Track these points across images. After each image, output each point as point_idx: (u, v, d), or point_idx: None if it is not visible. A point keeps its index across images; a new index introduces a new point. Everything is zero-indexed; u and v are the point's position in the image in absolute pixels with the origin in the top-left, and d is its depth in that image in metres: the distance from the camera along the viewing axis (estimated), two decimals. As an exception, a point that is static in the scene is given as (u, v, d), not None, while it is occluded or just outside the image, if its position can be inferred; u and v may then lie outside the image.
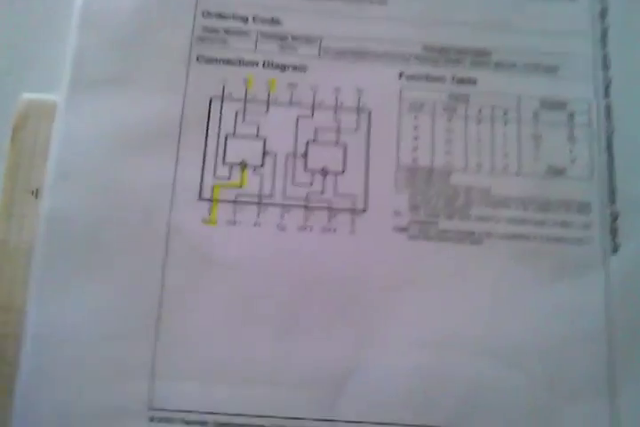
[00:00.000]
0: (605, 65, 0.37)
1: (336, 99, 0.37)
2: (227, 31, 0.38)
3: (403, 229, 0.34)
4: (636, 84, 0.38)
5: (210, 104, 0.37)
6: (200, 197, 0.35)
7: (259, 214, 0.36)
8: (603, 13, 0.39)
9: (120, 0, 0.37)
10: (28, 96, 0.35)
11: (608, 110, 0.37)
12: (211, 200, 0.35)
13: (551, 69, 0.39)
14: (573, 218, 0.37)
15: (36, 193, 0.35)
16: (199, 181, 0.35)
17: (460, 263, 0.35)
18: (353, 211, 0.35)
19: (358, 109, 0.37)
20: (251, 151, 0.36)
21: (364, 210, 0.35)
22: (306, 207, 0.36)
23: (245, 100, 0.37)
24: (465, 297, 0.35)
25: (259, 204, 0.36)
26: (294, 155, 0.36)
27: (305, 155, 0.36)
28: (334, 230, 0.35)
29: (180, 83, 0.36)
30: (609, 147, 0.37)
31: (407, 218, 0.35)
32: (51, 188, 0.35)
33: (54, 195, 0.35)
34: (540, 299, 0.35)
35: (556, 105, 0.38)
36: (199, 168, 0.36)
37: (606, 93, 0.38)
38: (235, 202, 0.36)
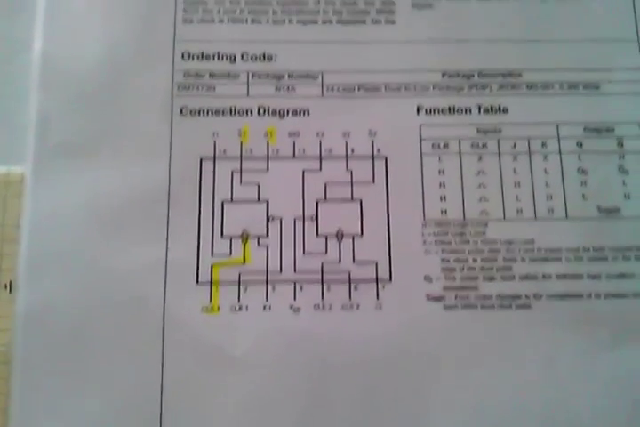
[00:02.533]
0: None
1: (346, 145, 0.28)
2: (212, 74, 0.29)
3: (437, 299, 0.27)
4: None
5: (200, 165, 0.28)
6: (198, 281, 0.27)
7: (267, 296, 0.26)
8: None
9: (84, 48, 0.28)
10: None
11: None
12: (210, 283, 0.26)
13: (592, 87, 0.29)
14: (633, 267, 0.27)
15: (10, 286, 0.26)
16: (195, 260, 0.27)
17: (506, 334, 0.26)
18: (377, 281, 0.27)
19: (373, 157, 0.28)
20: (252, 218, 0.27)
21: (390, 279, 0.27)
22: (322, 282, 0.26)
23: (241, 158, 0.28)
24: (516, 372, 0.26)
25: (266, 283, 0.26)
26: (303, 218, 0.27)
27: (315, 217, 0.27)
28: (357, 307, 0.27)
29: (163, 143, 0.28)
30: None
31: (441, 284, 0.27)
32: (25, 279, 0.26)
33: (30, 288, 0.26)
34: (603, 368, 0.26)
35: (602, 130, 0.29)
36: (194, 245, 0.27)
37: None
38: (238, 283, 0.26)
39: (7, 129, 0.27)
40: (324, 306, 0.26)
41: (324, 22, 0.29)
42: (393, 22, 0.29)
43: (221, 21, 0.28)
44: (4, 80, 0.27)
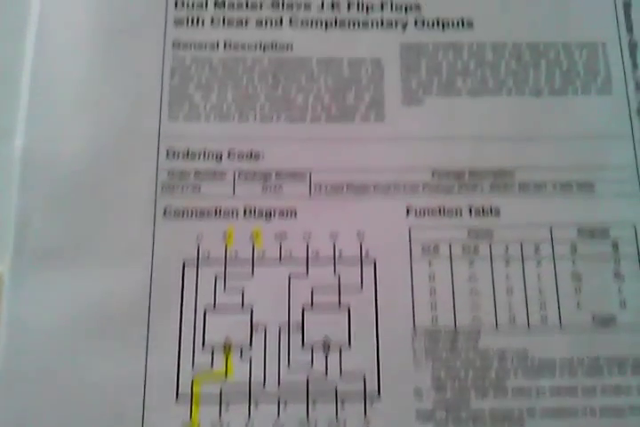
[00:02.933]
0: None
1: (334, 247, 0.27)
2: (198, 174, 0.28)
3: (427, 416, 0.25)
4: None
5: (183, 270, 0.26)
6: (178, 396, 0.25)
7: (250, 413, 0.25)
8: None
9: (66, 146, 0.27)
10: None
11: None
12: (190, 399, 0.25)
13: (587, 187, 0.28)
14: (629, 381, 0.25)
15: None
16: (175, 372, 0.25)
17: None
18: (365, 397, 0.25)
19: (361, 259, 0.27)
20: (235, 327, 0.26)
21: (379, 393, 0.25)
22: (307, 398, 0.25)
23: (226, 261, 0.26)
24: None
25: (249, 399, 0.25)
26: (288, 326, 0.26)
27: (301, 325, 0.26)
28: (344, 424, 0.25)
29: (144, 246, 0.26)
30: None
31: (431, 399, 0.25)
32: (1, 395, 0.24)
33: (5, 404, 0.24)
34: None
35: (597, 232, 0.27)
36: (174, 355, 0.25)
37: None
38: (220, 399, 0.25)
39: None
40: (309, 424, 0.24)
41: (312, 120, 0.27)
42: (382, 119, 0.27)
43: (208, 118, 0.27)
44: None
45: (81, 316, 0.25)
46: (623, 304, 0.26)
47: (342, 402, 0.24)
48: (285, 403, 0.24)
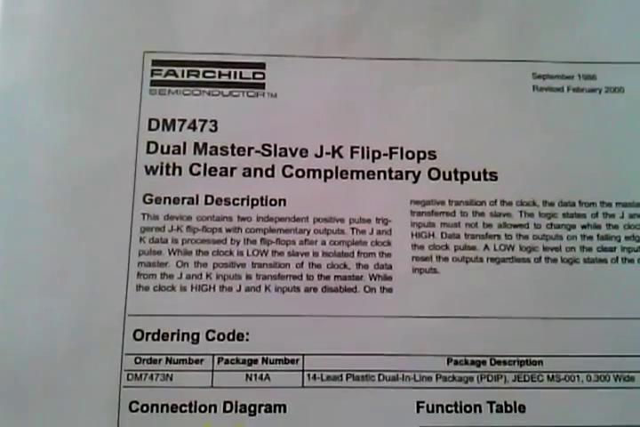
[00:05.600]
0: None
1: None
2: (170, 360, 0.32)
3: None
4: None
5: None
6: None
7: None
8: None
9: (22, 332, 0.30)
10: None
11: None
12: None
13: (626, 379, 0.32)
14: None
15: None
16: None
17: None
18: None
19: None
20: None
21: None
22: None
23: None
24: None
25: None
26: None
27: None
28: None
29: None
30: None
31: None
32: None
33: None
34: None
35: None
36: None
37: None
38: None
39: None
40: None
41: (306, 290, 0.32)
42: (390, 291, 0.32)
43: (184, 289, 0.32)
44: None
45: None
46: None
47: None
48: None
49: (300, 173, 0.33)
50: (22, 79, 0.31)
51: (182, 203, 0.32)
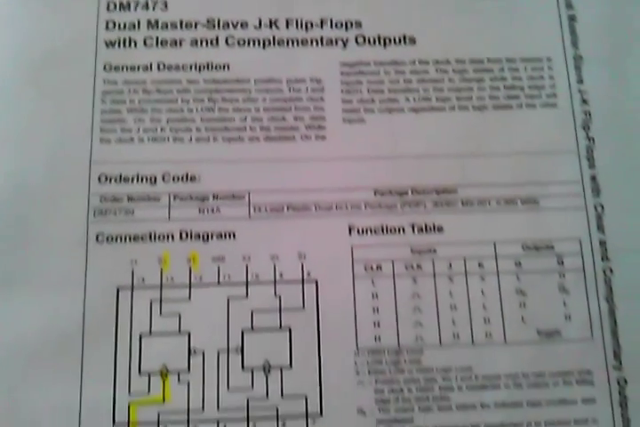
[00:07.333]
0: (595, 189, 0.35)
1: (274, 269, 0.34)
2: (131, 198, 0.35)
3: None
4: (633, 210, 0.36)
5: (117, 296, 0.33)
6: (114, 423, 0.32)
7: None
8: (585, 123, 0.37)
9: None
10: None
11: (604, 247, 0.35)
12: (127, 425, 0.32)
13: (531, 202, 0.36)
14: (574, 392, 0.33)
15: None
16: (111, 399, 0.32)
17: None
18: (307, 417, 0.32)
19: (303, 281, 0.34)
20: (172, 352, 0.33)
21: (321, 413, 0.32)
22: (247, 420, 0.32)
23: (161, 286, 0.34)
24: None
25: (187, 423, 0.32)
26: (227, 350, 0.33)
27: (241, 348, 0.33)
28: None
29: (77, 273, 0.33)
30: (609, 294, 0.35)
31: (374, 417, 0.33)
32: None
33: None
34: None
35: (541, 248, 0.35)
36: (110, 382, 0.32)
37: (599, 226, 0.35)
38: (157, 424, 0.32)
39: None
40: (249, 446, 0.32)
41: (250, 140, 0.37)
42: (323, 138, 0.36)
43: (141, 141, 0.36)
44: None
45: (13, 347, 0.31)
46: (568, 318, 0.36)
47: (284, 423, 0.34)
48: (225, 426, 0.34)
49: (242, 42, 0.36)
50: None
51: (138, 70, 0.35)
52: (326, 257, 0.34)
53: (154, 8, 0.37)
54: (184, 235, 0.34)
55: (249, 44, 0.37)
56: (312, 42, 0.37)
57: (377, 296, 0.33)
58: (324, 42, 0.37)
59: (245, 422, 0.30)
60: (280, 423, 0.30)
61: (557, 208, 0.35)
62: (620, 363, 0.33)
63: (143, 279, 0.33)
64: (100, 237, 0.33)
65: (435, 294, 0.33)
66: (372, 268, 0.34)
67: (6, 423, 0.30)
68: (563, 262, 0.34)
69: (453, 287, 0.34)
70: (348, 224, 0.34)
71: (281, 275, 0.33)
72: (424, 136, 0.36)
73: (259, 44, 0.37)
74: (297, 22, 0.37)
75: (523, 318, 0.33)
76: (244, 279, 0.33)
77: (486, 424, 0.32)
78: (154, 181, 0.34)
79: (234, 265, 0.33)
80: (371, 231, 0.34)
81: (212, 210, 0.34)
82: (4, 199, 0.33)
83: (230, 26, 0.37)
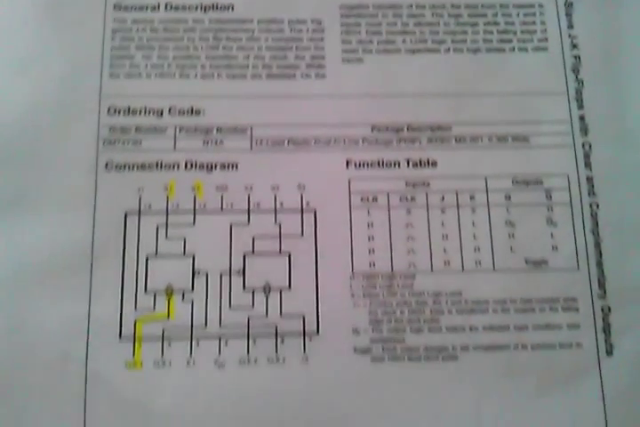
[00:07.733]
0: (583, 129, 0.34)
1: (275, 199, 0.36)
2: (139, 129, 0.36)
3: (364, 351, 0.34)
4: (619, 149, 0.37)
5: (125, 220, 0.35)
6: (121, 336, 0.33)
7: (191, 351, 0.33)
8: (575, 66, 0.38)
9: (4, 103, 0.36)
10: None
11: (591, 183, 0.36)
12: (133, 338, 0.33)
13: (521, 140, 0.37)
14: (559, 318, 0.35)
15: None
16: (118, 315, 0.34)
17: (434, 385, 0.34)
18: (304, 334, 0.34)
19: (302, 210, 0.35)
20: (177, 273, 0.34)
21: (317, 332, 0.33)
22: (247, 336, 0.34)
23: (167, 212, 0.35)
24: (445, 424, 0.33)
25: (191, 338, 0.33)
26: (229, 272, 0.34)
27: (243, 271, 0.34)
28: (283, 360, 0.33)
29: (87, 197, 0.35)
30: (594, 228, 0.36)
31: (368, 336, 0.34)
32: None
33: None
34: (531, 416, 0.34)
35: (531, 182, 0.37)
36: (117, 299, 0.34)
37: (587, 163, 0.36)
38: (162, 338, 0.34)
39: None
40: (249, 360, 0.34)
41: (253, 77, 0.38)
42: (323, 76, 0.38)
43: (149, 76, 0.38)
44: None
45: (25, 264, 0.33)
46: (555, 248, 0.37)
47: (282, 340, 0.35)
48: (226, 342, 0.35)
49: (245, -14, 0.36)
50: None
51: (146, 10, 0.37)
52: (325, 188, 0.35)
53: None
54: (189, 165, 0.35)
55: (252, -15, 0.36)
56: (313, -16, 0.36)
57: (372, 226, 0.34)
58: (325, -16, 0.36)
59: (246, 339, 0.31)
60: (279, 340, 0.31)
61: (547, 146, 0.36)
62: (605, 292, 0.34)
63: (150, 206, 0.34)
64: (109, 165, 0.35)
65: (427, 224, 0.34)
66: (367, 199, 0.35)
67: (18, 337, 0.32)
68: (551, 197, 0.35)
69: (445, 218, 0.35)
70: (345, 158, 0.35)
71: (281, 204, 0.35)
72: (420, 76, 0.37)
73: (261, -15, 0.36)
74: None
75: (511, 248, 0.34)
76: (246, 207, 0.34)
77: (474, 346, 0.33)
78: (160, 113, 0.35)
79: (236, 194, 0.35)
80: (367, 165, 0.35)
81: (216, 142, 0.35)
82: (17, 126, 0.35)
83: (234, -32, 0.36)
